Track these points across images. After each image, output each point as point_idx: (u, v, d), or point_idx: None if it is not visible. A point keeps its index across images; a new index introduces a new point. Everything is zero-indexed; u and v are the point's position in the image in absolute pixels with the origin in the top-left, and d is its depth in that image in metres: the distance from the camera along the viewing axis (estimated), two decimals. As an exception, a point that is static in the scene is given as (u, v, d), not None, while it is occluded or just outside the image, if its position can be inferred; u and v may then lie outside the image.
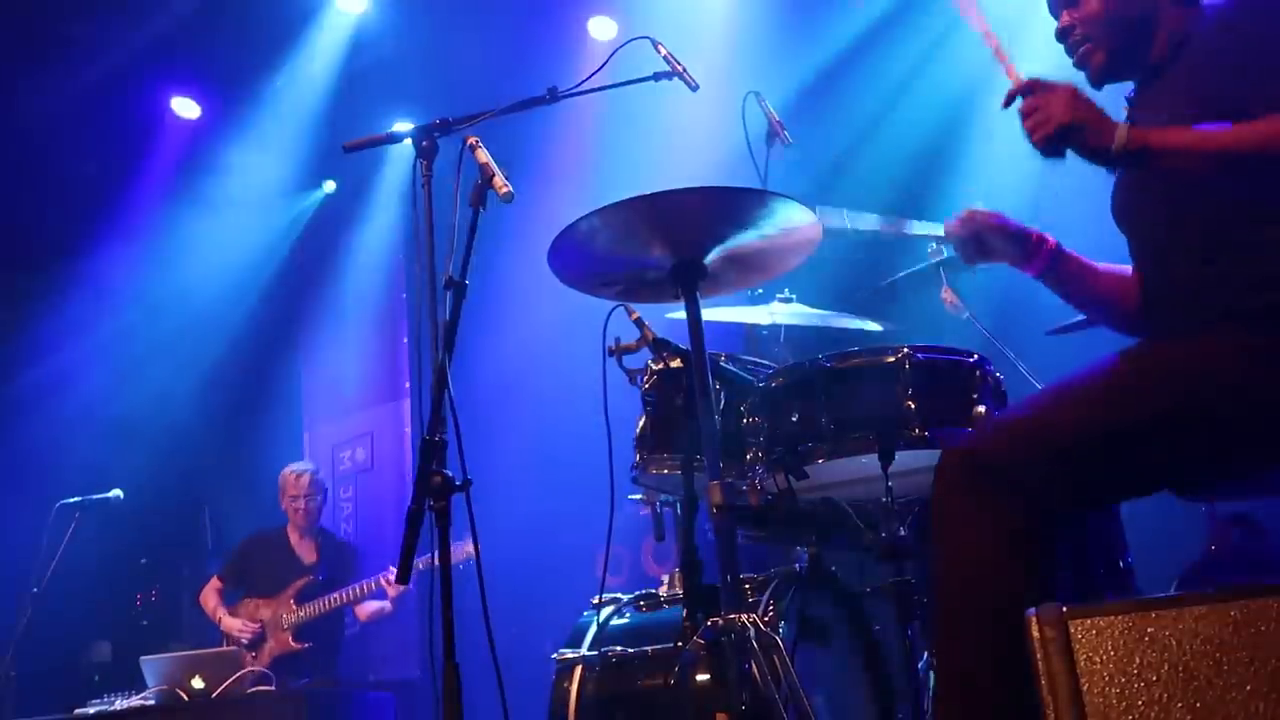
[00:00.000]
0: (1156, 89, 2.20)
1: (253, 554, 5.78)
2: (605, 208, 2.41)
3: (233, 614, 5.58)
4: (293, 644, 5.43)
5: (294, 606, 5.50)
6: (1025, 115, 1.98)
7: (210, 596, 5.72)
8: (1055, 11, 2.29)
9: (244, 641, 5.43)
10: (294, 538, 5.80)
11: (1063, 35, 2.28)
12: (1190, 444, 1.98)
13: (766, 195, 2.48)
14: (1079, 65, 2.28)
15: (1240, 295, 2.02)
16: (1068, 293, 2.46)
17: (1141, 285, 2.27)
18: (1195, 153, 1.94)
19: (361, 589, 5.43)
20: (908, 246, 3.51)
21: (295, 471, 5.88)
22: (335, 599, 5.45)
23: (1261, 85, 1.97)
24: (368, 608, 5.59)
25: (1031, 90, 2.00)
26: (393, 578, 5.30)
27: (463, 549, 5.07)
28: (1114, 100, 2.31)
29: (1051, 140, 1.95)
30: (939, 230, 3.19)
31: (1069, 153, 1.98)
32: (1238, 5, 2.10)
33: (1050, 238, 2.42)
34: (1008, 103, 2.04)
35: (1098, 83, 2.28)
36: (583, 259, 2.57)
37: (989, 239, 2.41)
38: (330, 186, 7.30)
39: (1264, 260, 2.01)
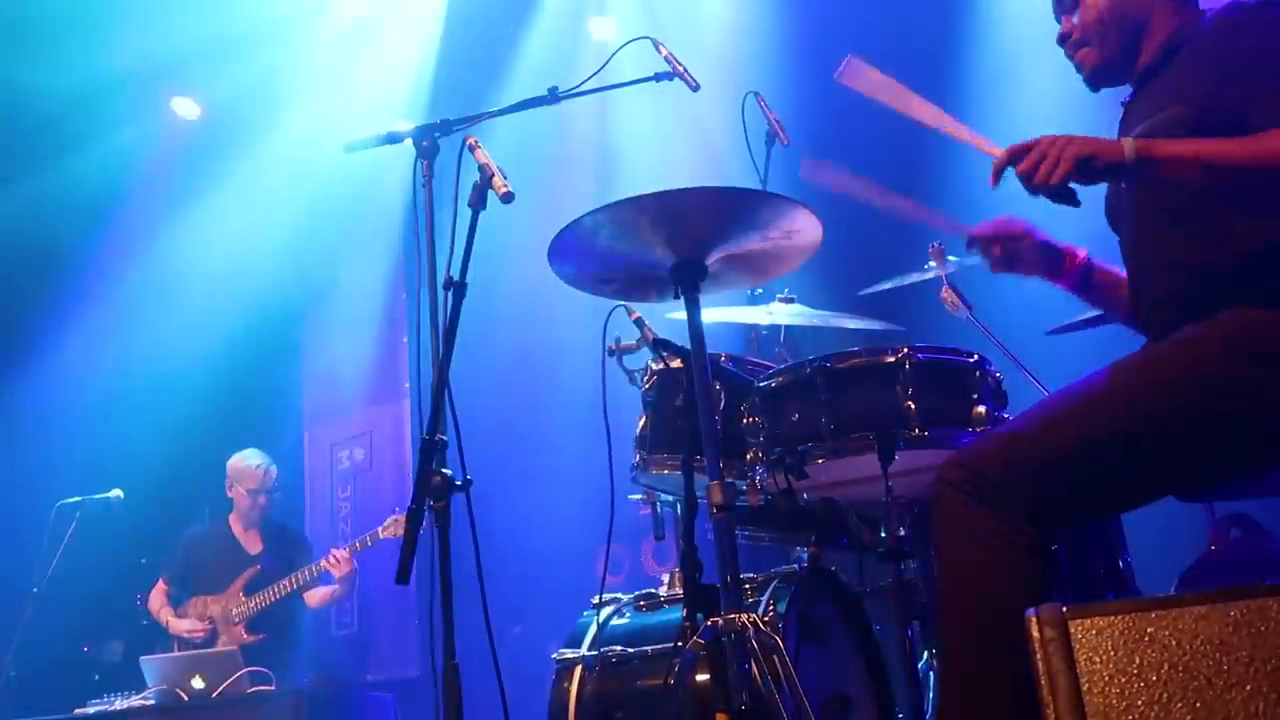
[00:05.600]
0: (1150, 92, 2.22)
1: (194, 552, 5.58)
2: (608, 205, 2.40)
3: (181, 614, 5.41)
4: (246, 636, 5.27)
5: (243, 598, 5.35)
6: (1031, 175, 1.97)
7: (156, 600, 5.53)
8: (1058, 16, 2.34)
9: (196, 641, 5.27)
10: (238, 529, 5.60)
11: (1063, 39, 2.33)
12: (1188, 447, 1.98)
13: (770, 197, 2.47)
14: (1077, 67, 2.31)
15: (1231, 289, 2.02)
16: (1098, 303, 2.48)
17: (1133, 285, 2.28)
18: (1198, 163, 1.95)
19: (308, 573, 5.29)
20: (910, 243, 3.49)
21: (261, 465, 5.62)
22: (284, 586, 5.30)
23: (1250, 89, 1.99)
24: (317, 594, 5.44)
25: (1020, 154, 1.99)
26: (335, 559, 5.21)
27: (392, 524, 5.05)
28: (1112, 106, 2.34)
29: (1072, 175, 1.94)
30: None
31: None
32: (1231, 9, 2.11)
33: (1080, 251, 2.43)
34: (996, 180, 2.04)
35: (1093, 84, 2.33)
36: (584, 256, 2.56)
37: (1020, 248, 2.42)
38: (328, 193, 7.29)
39: (1253, 253, 2.01)
